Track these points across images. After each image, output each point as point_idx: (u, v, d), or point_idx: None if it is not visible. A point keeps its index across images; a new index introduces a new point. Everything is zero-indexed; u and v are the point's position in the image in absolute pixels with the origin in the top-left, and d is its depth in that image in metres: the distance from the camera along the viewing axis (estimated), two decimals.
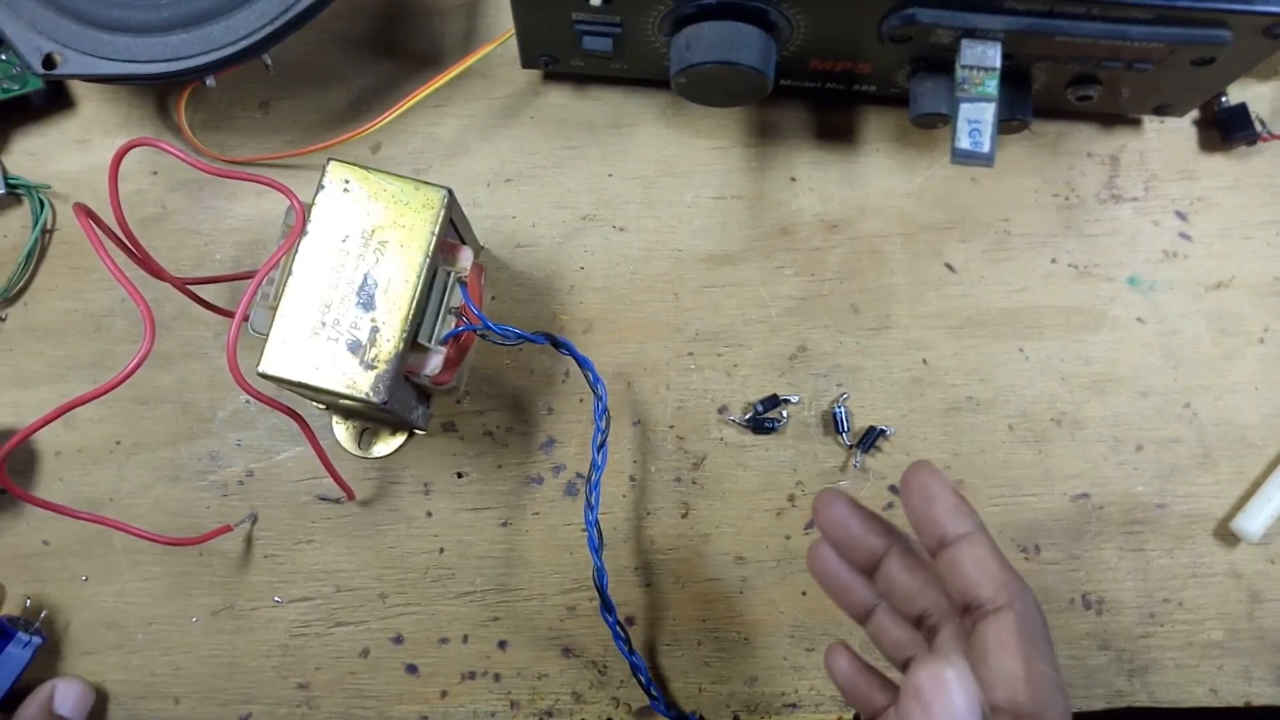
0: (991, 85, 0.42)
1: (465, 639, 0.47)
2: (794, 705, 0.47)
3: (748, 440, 0.48)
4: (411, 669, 0.47)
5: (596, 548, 0.43)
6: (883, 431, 0.48)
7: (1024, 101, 0.45)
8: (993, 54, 0.42)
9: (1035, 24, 0.41)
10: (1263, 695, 0.47)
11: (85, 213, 0.38)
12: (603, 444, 0.43)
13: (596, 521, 0.43)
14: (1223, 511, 0.48)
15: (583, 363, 0.43)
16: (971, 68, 0.42)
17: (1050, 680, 0.31)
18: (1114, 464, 0.48)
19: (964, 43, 0.42)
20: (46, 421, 0.37)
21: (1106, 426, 0.49)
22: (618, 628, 0.44)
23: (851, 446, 0.48)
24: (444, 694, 0.47)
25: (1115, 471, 0.48)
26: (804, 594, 0.47)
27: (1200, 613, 0.47)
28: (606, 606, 0.44)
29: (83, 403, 0.37)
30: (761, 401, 0.48)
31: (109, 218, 0.41)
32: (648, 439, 0.48)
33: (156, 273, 0.43)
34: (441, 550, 0.47)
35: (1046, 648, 0.33)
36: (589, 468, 0.44)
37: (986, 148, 0.42)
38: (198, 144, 0.50)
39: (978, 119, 0.42)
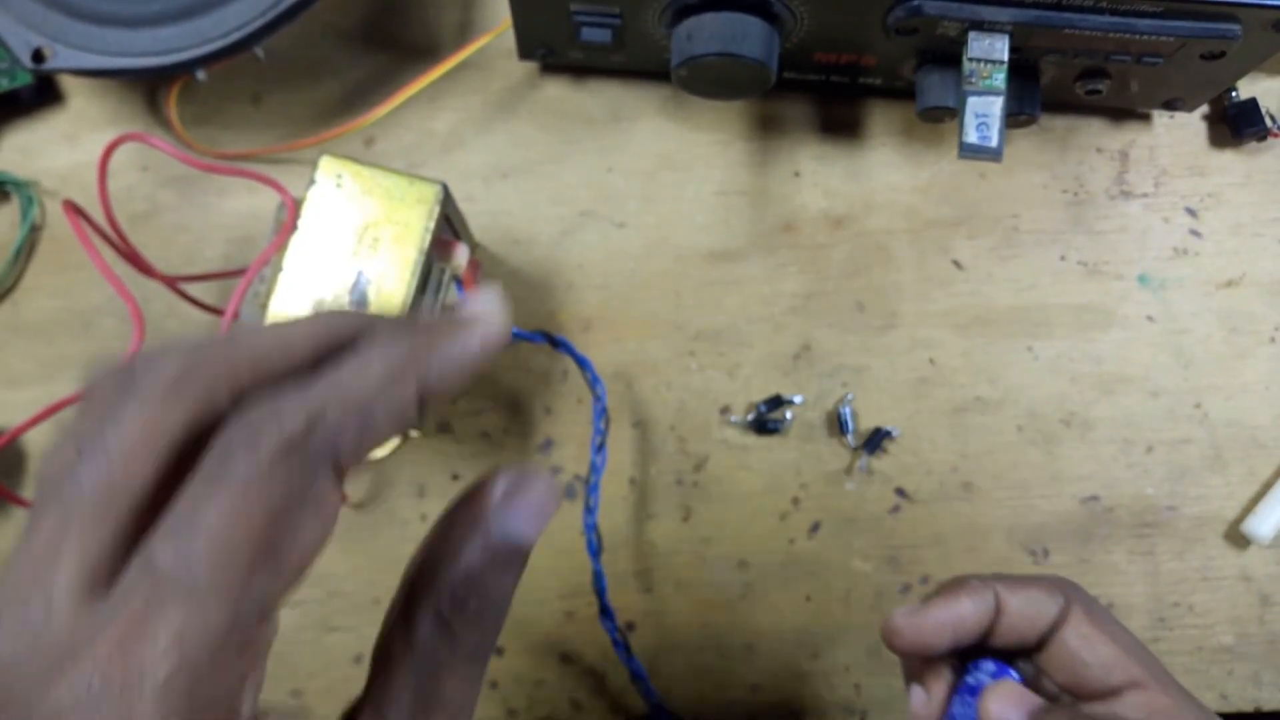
0: (999, 78, 0.41)
1: None
2: (797, 713, 0.46)
3: (750, 442, 0.48)
4: None
5: (595, 552, 0.43)
6: (888, 432, 0.47)
7: (1032, 95, 0.45)
8: (1000, 46, 0.41)
9: (1043, 16, 0.41)
10: (1273, 700, 0.46)
11: (74, 210, 0.38)
12: (602, 445, 0.43)
13: (595, 525, 0.43)
14: (1233, 513, 0.47)
15: (581, 362, 0.43)
16: (979, 60, 0.41)
17: (1138, 643, 0.35)
18: (1124, 465, 0.48)
19: (971, 35, 0.41)
20: (35, 422, 0.37)
21: (1116, 427, 0.48)
22: (617, 634, 0.43)
23: (857, 448, 0.47)
24: None
25: (1125, 473, 0.48)
26: (808, 599, 0.46)
27: (1210, 617, 0.47)
28: (605, 612, 0.43)
29: (72, 403, 0.37)
30: (764, 402, 0.47)
31: (98, 214, 0.40)
32: (648, 440, 0.48)
33: (146, 270, 0.43)
34: None
35: (1113, 619, 0.35)
36: (588, 469, 0.43)
37: (994, 142, 0.41)
38: (188, 139, 0.49)
39: (985, 113, 0.41)
